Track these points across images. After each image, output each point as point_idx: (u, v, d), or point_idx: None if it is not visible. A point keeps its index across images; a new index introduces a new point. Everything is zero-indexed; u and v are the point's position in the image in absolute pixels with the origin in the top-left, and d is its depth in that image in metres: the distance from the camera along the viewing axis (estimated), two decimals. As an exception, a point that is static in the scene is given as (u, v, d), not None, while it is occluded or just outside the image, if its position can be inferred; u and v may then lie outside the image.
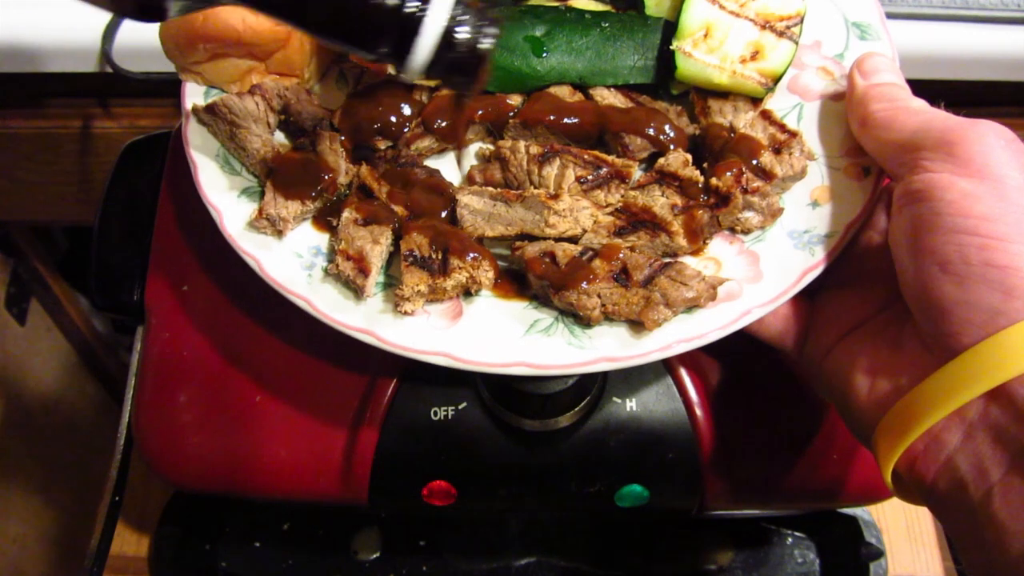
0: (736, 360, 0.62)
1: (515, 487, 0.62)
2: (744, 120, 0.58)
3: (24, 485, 1.24)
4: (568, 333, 0.54)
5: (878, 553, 0.78)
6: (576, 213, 0.56)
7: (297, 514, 0.80)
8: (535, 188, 0.59)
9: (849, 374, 0.51)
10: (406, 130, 0.60)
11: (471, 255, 0.54)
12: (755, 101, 0.59)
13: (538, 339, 0.54)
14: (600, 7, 0.64)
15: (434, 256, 0.54)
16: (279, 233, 0.57)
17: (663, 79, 0.62)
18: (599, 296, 0.53)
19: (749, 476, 0.63)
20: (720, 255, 0.56)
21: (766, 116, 0.58)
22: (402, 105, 0.60)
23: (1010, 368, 0.42)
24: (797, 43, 0.58)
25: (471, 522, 0.81)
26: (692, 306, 0.53)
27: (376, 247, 0.55)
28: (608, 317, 0.53)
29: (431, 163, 0.62)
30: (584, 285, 0.53)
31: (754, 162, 0.56)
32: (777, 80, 0.58)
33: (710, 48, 0.58)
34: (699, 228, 0.56)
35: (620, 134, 0.59)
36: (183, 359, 0.63)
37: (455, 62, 0.45)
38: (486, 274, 0.54)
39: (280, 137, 0.62)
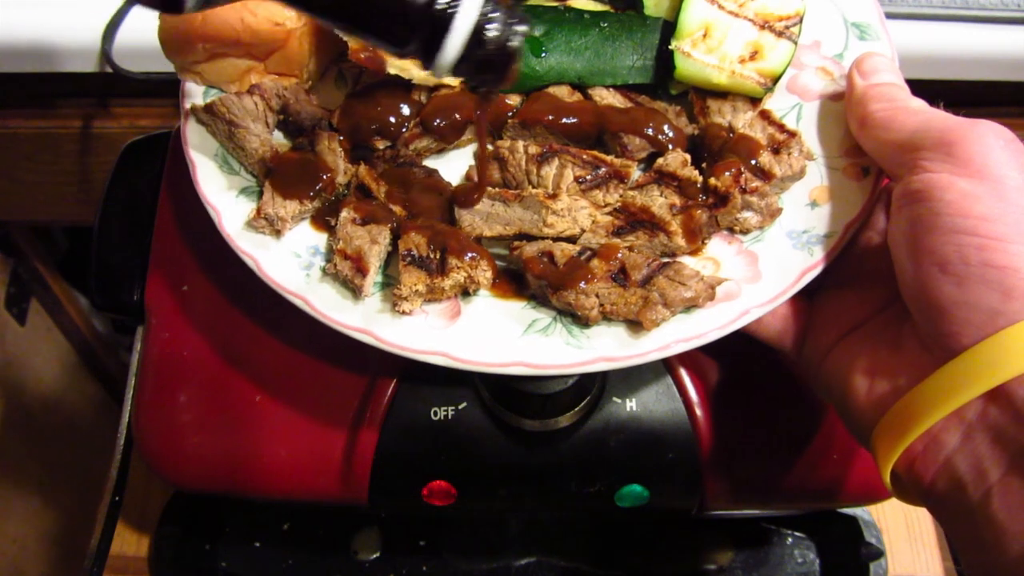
0: (736, 360, 0.62)
1: (515, 487, 0.62)
2: (743, 120, 0.58)
3: (24, 485, 1.24)
4: (566, 333, 0.54)
5: (878, 553, 0.77)
6: (574, 213, 0.56)
7: (297, 514, 0.80)
8: (533, 188, 0.59)
9: (848, 374, 0.51)
10: (404, 130, 0.60)
11: (469, 255, 0.54)
12: (754, 101, 0.59)
13: (536, 339, 0.54)
14: (599, 7, 0.64)
15: (432, 256, 0.54)
16: (277, 233, 0.57)
17: (662, 79, 0.61)
18: (597, 296, 0.53)
19: (749, 476, 0.63)
20: (719, 255, 0.56)
21: (765, 116, 0.58)
22: (401, 105, 0.60)
23: (1009, 369, 0.42)
24: (796, 43, 0.58)
25: (471, 522, 0.81)
26: (690, 306, 0.53)
27: (374, 247, 0.55)
28: (606, 317, 0.53)
29: (429, 163, 0.62)
30: (582, 285, 0.53)
31: (753, 162, 0.56)
32: (776, 80, 0.58)
33: (709, 48, 0.58)
34: (698, 228, 0.56)
35: (619, 134, 0.59)
36: (183, 359, 0.63)
37: (484, 60, 0.44)
38: (484, 274, 0.54)
39: (279, 137, 0.62)
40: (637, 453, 0.61)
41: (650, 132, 0.59)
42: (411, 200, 0.58)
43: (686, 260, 0.56)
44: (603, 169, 0.58)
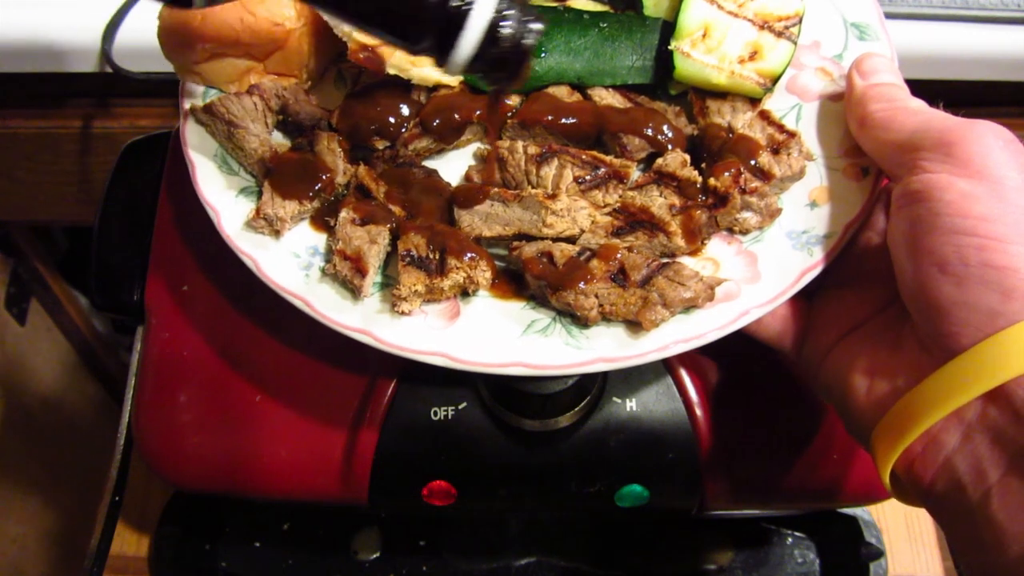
0: (736, 360, 0.62)
1: (515, 487, 0.62)
2: (742, 120, 0.58)
3: (24, 485, 1.24)
4: (565, 333, 0.54)
5: (878, 553, 0.77)
6: (574, 213, 0.56)
7: (297, 514, 0.80)
8: (533, 188, 0.59)
9: (847, 375, 0.51)
10: (404, 130, 0.60)
11: (468, 255, 0.54)
12: (753, 101, 0.59)
13: (535, 339, 0.54)
14: (598, 7, 0.64)
15: (431, 256, 0.54)
16: (276, 233, 0.57)
17: (661, 79, 0.61)
18: (596, 296, 0.53)
19: (749, 476, 0.63)
20: (718, 255, 0.56)
21: (764, 116, 0.58)
22: (400, 105, 0.60)
23: (1009, 369, 0.42)
24: (796, 43, 0.58)
25: (471, 522, 0.81)
26: (690, 306, 0.53)
27: (373, 247, 0.55)
28: (606, 317, 0.53)
29: (429, 163, 0.62)
30: (582, 285, 0.53)
31: (752, 162, 0.56)
32: (775, 80, 0.58)
33: (708, 48, 0.58)
34: (697, 228, 0.56)
35: (618, 134, 0.59)
36: (183, 359, 0.63)
37: (498, 57, 0.44)
38: (483, 274, 0.54)
39: (278, 137, 0.62)
40: (637, 453, 0.61)
41: (649, 132, 0.59)
42: (410, 200, 0.58)
43: (685, 260, 0.56)
44: (602, 169, 0.58)
